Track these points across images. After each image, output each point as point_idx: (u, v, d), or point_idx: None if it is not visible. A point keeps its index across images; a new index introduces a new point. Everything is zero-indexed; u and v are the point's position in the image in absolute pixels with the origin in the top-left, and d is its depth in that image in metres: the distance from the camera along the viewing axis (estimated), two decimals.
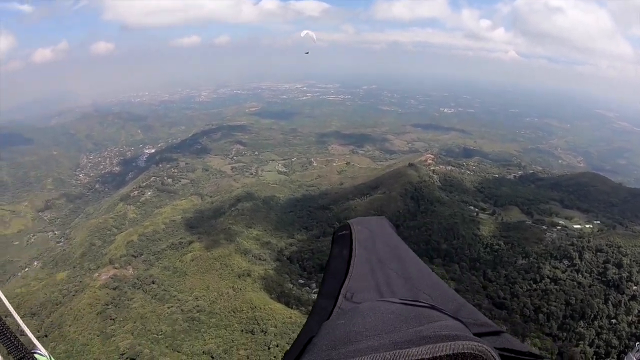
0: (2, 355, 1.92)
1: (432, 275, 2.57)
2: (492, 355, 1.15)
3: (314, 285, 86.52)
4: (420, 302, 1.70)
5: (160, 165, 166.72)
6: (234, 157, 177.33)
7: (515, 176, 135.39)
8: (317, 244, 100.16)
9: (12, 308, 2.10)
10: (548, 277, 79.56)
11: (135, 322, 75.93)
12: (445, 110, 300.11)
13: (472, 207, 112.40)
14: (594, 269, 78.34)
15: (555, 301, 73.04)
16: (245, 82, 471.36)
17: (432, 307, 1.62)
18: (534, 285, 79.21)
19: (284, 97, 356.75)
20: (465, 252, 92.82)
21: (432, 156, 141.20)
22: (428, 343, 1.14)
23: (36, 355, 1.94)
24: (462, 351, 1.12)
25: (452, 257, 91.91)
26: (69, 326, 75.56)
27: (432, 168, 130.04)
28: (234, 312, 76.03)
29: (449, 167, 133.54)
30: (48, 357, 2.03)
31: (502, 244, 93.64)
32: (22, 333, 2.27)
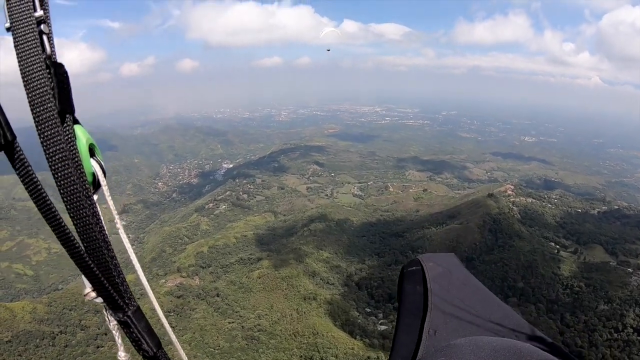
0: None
1: (514, 314, 2.53)
2: None
3: (380, 315, 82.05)
4: (515, 340, 1.65)
5: (237, 181, 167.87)
6: (310, 177, 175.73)
7: (599, 212, 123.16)
8: (387, 271, 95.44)
9: (157, 304, 1.89)
10: (631, 326, 70.68)
11: (194, 333, 74.20)
12: (526, 138, 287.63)
13: (552, 244, 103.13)
14: None
15: (637, 354, 64.68)
16: (325, 104, 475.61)
17: (529, 344, 1.56)
18: (615, 335, 70.63)
19: (363, 120, 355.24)
20: (543, 293, 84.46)
21: (512, 187, 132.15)
22: None
23: None
24: None
25: (529, 297, 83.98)
26: None
27: (512, 199, 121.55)
28: (295, 335, 72.93)
29: (530, 200, 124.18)
30: None
31: (584, 286, 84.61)
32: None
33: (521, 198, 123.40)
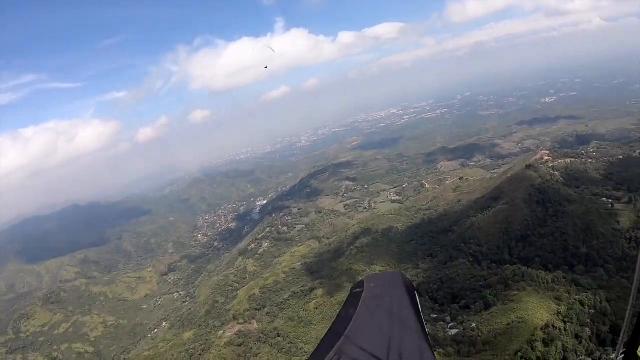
0: None
1: (426, 350, 2.66)
2: None
3: (448, 318, 78.42)
4: None
5: (274, 215, 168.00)
6: (345, 195, 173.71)
7: None
8: (444, 271, 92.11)
9: None
10: None
11: None
12: (547, 99, 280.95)
13: (604, 199, 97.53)
14: None
15: None
16: (342, 119, 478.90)
17: None
18: None
19: (382, 125, 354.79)
20: (608, 253, 79.92)
21: (547, 152, 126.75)
22: None
23: None
24: None
25: (595, 261, 79.53)
26: None
27: (550, 165, 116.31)
28: None
29: (569, 160, 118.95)
30: None
31: None
32: None
33: (559, 161, 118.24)
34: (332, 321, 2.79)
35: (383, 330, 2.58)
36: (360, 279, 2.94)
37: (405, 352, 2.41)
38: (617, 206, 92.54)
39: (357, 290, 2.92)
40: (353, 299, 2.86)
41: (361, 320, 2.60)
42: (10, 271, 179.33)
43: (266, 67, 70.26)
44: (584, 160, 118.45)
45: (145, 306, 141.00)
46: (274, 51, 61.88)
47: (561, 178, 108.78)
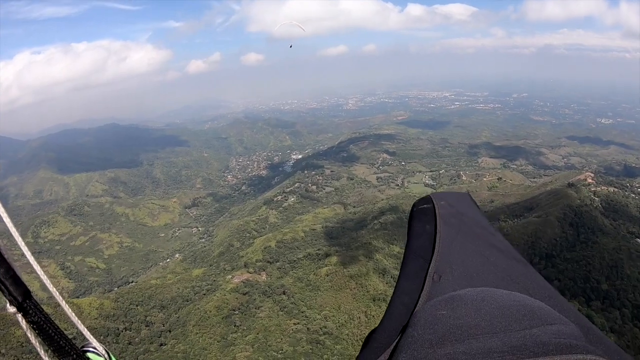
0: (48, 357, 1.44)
1: (527, 266, 2.32)
2: None
3: None
4: (527, 297, 1.53)
5: (306, 172, 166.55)
6: (380, 167, 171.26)
7: None
8: None
9: (63, 302, 1.62)
10: None
11: (258, 334, 71.58)
12: (603, 120, 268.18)
13: (639, 240, 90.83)
14: None
15: None
16: (393, 91, 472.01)
17: (540, 302, 1.47)
18: None
19: (432, 105, 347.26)
20: (629, 296, 74.30)
21: (592, 175, 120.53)
22: (548, 353, 1.05)
23: (89, 355, 1.63)
24: None
25: (613, 301, 74.29)
26: (193, 326, 73.91)
27: (592, 189, 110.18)
28: (362, 341, 68.60)
29: (612, 189, 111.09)
30: (106, 356, 1.70)
31: None
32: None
33: (602, 187, 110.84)
34: (407, 242, 2.40)
35: (476, 248, 2.18)
36: (425, 195, 2.53)
37: (512, 274, 2.02)
38: None
39: (425, 206, 2.48)
40: (423, 215, 2.46)
41: (447, 237, 2.23)
42: (40, 178, 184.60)
43: (291, 47, 68.76)
44: (627, 193, 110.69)
45: (162, 234, 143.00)
46: (304, 30, 59.79)
47: (600, 206, 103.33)
